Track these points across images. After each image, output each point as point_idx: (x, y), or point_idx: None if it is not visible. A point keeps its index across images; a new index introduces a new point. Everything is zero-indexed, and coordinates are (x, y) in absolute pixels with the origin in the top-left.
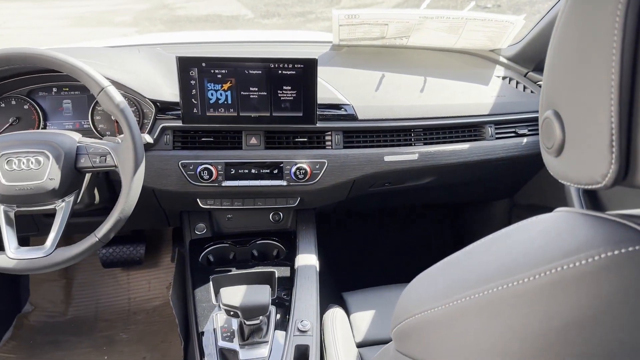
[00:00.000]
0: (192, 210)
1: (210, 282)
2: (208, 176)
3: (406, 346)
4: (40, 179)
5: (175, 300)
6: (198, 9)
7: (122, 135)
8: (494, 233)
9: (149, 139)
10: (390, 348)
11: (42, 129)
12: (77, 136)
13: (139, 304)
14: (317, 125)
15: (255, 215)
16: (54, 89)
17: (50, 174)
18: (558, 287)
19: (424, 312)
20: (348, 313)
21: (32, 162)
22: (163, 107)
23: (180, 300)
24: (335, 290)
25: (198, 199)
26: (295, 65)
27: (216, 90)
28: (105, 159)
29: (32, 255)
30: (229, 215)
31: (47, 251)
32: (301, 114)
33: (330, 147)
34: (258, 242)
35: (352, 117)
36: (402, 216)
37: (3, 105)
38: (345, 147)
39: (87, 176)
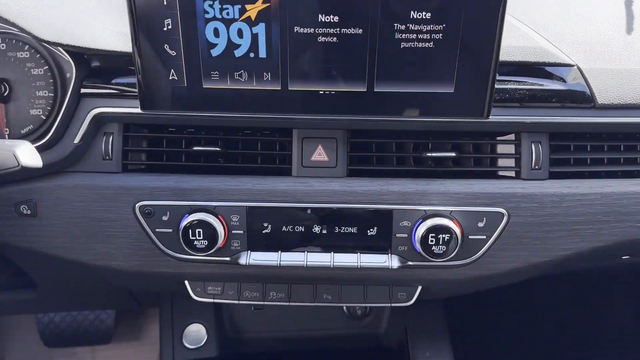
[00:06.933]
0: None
1: None
2: (207, 241)
3: None
4: None
5: None
6: None
7: None
8: None
9: (31, 159)
10: None
11: None
12: None
13: None
14: (491, 118)
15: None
16: None
17: None
18: None
19: None
20: None
21: None
22: (98, 68)
23: None
24: None
25: (187, 283)
26: None
27: (228, 24)
28: None
29: None
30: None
31: None
32: (451, 89)
33: (515, 176)
34: None
35: (581, 99)
36: (566, 283)
37: None
38: (552, 177)
39: None
